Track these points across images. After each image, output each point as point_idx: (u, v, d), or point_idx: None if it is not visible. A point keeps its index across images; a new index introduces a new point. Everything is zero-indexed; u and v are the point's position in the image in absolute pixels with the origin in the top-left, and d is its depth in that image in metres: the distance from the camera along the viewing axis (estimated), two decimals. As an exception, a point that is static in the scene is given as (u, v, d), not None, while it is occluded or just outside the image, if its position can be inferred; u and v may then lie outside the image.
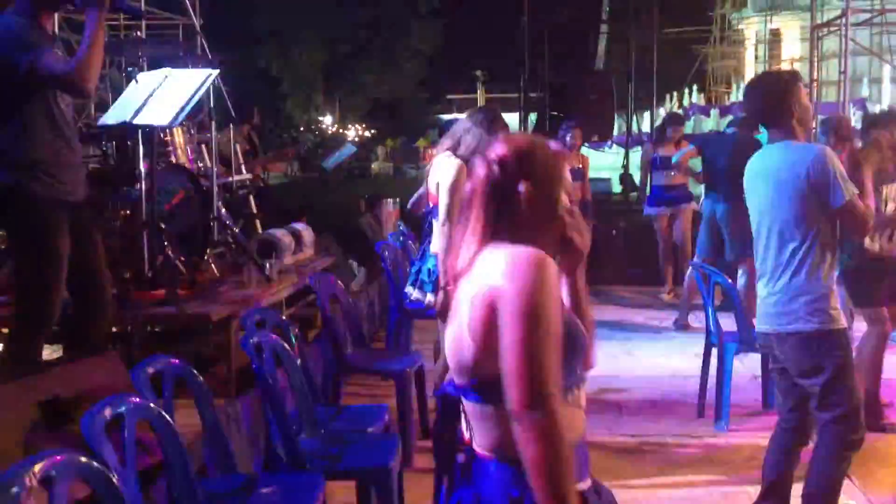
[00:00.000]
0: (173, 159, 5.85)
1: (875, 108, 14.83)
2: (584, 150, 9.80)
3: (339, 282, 4.98)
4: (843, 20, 12.25)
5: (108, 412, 2.42)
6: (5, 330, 4.09)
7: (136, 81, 4.89)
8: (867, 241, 4.67)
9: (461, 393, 1.88)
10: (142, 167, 4.79)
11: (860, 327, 4.98)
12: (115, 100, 5.25)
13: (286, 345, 3.53)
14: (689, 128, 15.73)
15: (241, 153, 7.63)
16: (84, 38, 3.46)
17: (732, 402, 5.01)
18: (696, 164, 7.89)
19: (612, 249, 9.65)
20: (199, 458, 3.14)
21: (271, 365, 3.38)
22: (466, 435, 1.92)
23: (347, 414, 3.94)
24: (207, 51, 6.19)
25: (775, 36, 28.63)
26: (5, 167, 3.53)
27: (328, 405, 4.11)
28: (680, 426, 5.05)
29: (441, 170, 4.49)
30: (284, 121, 27.78)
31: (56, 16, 3.72)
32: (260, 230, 6.64)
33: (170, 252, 4.73)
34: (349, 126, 35.10)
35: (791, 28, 27.89)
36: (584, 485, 1.87)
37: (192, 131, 6.21)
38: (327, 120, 33.44)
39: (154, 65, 6.59)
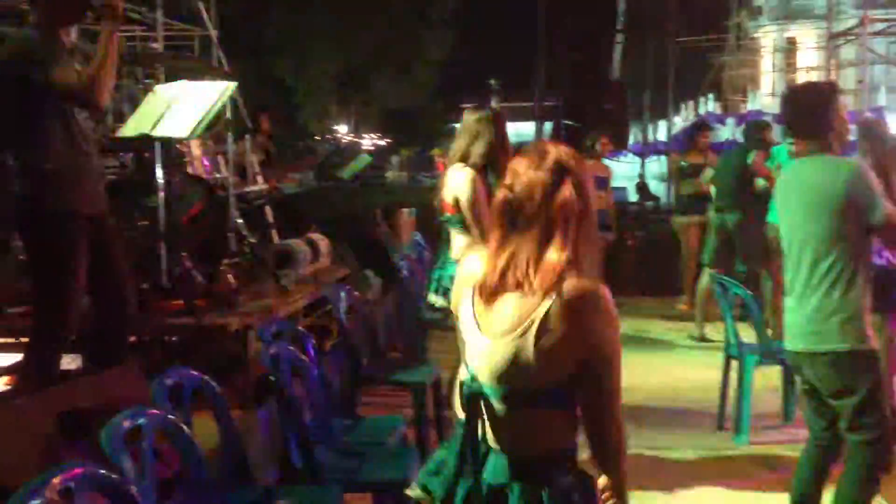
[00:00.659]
0: (191, 170, 5.87)
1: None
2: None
3: (356, 292, 4.98)
4: (860, 29, 12.20)
5: (127, 423, 2.43)
6: (25, 339, 4.09)
7: (154, 93, 4.92)
8: None
9: (490, 395, 1.97)
10: (159, 178, 4.81)
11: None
12: (132, 111, 5.28)
13: (303, 356, 3.53)
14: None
15: (258, 163, 7.64)
16: (97, 53, 3.47)
17: (752, 414, 4.97)
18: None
19: (629, 259, 9.61)
20: (217, 469, 3.13)
21: (288, 376, 3.38)
22: (482, 431, 2.01)
23: (364, 425, 3.94)
24: (224, 62, 6.21)
25: (791, 45, 28.57)
26: (23, 180, 3.54)
27: (345, 416, 4.10)
28: (699, 438, 5.02)
29: (455, 181, 4.47)
30: (299, 130, 27.84)
31: (75, 28, 3.71)
32: (276, 240, 6.64)
33: (187, 262, 4.74)
34: (364, 135, 35.16)
35: (807, 37, 27.82)
36: None
37: (209, 142, 6.23)
38: (342, 129, 33.52)
39: (171, 76, 6.63)
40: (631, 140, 15.51)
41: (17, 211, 3.62)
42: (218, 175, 6.32)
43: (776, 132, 7.90)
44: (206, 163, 6.04)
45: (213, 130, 6.62)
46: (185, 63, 6.59)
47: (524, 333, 1.91)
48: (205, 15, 6.82)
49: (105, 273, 3.69)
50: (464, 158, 4.42)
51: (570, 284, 1.91)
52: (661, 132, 15.82)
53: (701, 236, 8.43)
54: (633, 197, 12.90)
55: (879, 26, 14.17)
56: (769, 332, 5.51)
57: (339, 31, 24.46)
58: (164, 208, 4.79)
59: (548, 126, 12.91)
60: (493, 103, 32.10)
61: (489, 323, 1.98)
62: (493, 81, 34.41)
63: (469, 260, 2.11)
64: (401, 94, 29.04)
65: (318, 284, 5.62)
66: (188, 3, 6.31)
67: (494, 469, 1.98)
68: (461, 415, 2.01)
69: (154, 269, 4.81)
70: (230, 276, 5.36)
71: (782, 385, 5.26)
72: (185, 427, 2.61)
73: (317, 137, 29.13)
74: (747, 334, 5.21)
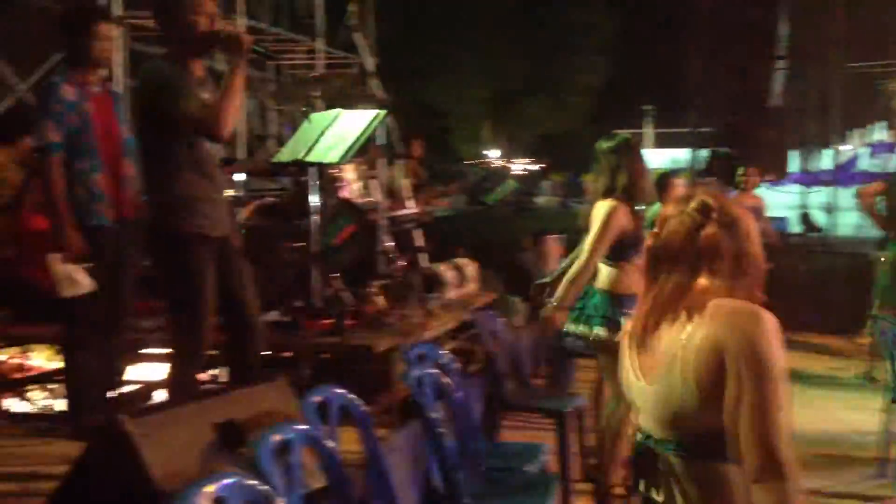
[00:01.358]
0: (343, 194, 6.07)
1: None
2: (758, 190, 9.46)
3: (501, 318, 5.01)
4: None
5: (277, 437, 2.52)
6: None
7: (310, 121, 5.13)
8: None
9: (662, 447, 1.90)
10: (313, 201, 5.00)
11: None
12: (292, 136, 5.52)
13: (446, 379, 3.57)
14: (876, 167, 14.92)
15: (408, 188, 7.82)
16: (223, 85, 3.56)
17: (916, 462, 4.68)
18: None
19: (789, 293, 9.23)
20: (361, 487, 3.21)
21: (431, 398, 3.43)
22: (643, 488, 1.95)
23: (505, 451, 3.94)
24: (379, 90, 6.42)
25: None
26: (153, 205, 3.68)
27: (486, 441, 4.12)
28: (858, 484, 4.76)
29: (598, 212, 4.44)
30: (451, 155, 28.26)
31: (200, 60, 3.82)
32: (424, 264, 6.77)
33: (337, 283, 4.90)
34: (515, 160, 35.31)
35: None
36: None
37: (362, 167, 6.42)
38: (493, 154, 33.79)
39: (328, 104, 6.89)
40: (792, 168, 14.91)
41: (147, 234, 3.79)
42: (369, 199, 6.51)
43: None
44: (358, 187, 6.24)
45: (366, 156, 6.84)
46: (341, 90, 6.84)
47: (673, 361, 1.85)
48: (362, 43, 7.06)
49: (231, 294, 3.77)
50: (609, 191, 4.39)
51: (716, 302, 1.85)
52: (824, 161, 15.14)
53: None
54: (794, 227, 12.38)
55: None
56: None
57: (492, 57, 24.72)
58: (317, 230, 4.98)
59: (703, 153, 12.58)
60: (647, 129, 31.64)
61: (645, 367, 1.95)
62: (647, 107, 33.90)
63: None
64: (553, 118, 29.03)
65: (464, 309, 5.68)
66: (347, 33, 6.55)
67: None
68: (637, 475, 1.97)
69: (306, 289, 4.99)
70: (379, 298, 5.51)
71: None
72: (331, 443, 2.69)
73: (467, 162, 29.44)
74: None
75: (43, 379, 5.46)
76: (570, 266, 4.44)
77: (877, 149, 22.51)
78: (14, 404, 5.08)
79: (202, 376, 4.12)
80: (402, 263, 6.04)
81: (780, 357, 1.81)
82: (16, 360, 5.40)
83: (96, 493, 2.66)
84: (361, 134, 5.03)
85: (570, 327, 4.83)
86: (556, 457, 4.27)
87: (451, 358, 3.95)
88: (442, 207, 11.68)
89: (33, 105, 6.27)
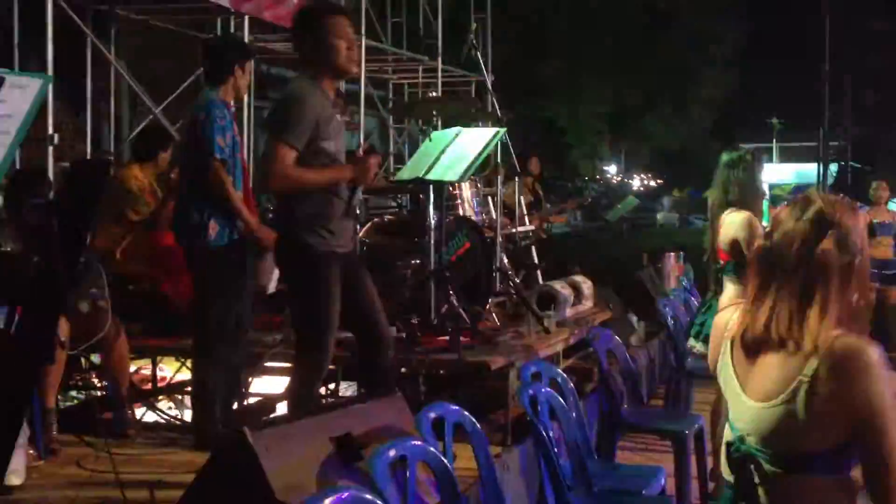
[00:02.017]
0: (460, 211, 6.12)
1: None
2: (892, 205, 9.10)
3: (617, 336, 4.95)
4: None
5: (392, 452, 2.56)
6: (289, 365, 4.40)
7: (430, 139, 5.20)
8: None
9: (759, 458, 1.91)
10: (431, 219, 5.06)
11: None
12: (412, 153, 5.60)
13: (561, 398, 3.55)
14: None
15: (525, 205, 7.82)
16: (324, 170, 3.67)
17: None
18: None
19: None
20: (474, 503, 3.23)
21: (546, 417, 3.42)
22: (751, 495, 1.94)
23: (621, 472, 3.89)
24: (497, 108, 6.45)
25: None
26: (286, 222, 3.78)
27: (602, 462, 4.07)
28: None
29: (732, 225, 4.37)
30: (569, 171, 28.07)
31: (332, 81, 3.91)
32: (541, 281, 6.75)
33: (454, 300, 4.94)
34: (634, 176, 34.82)
35: None
36: None
37: (479, 184, 6.47)
38: (612, 170, 33.42)
39: (448, 121, 6.97)
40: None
41: (277, 252, 3.91)
42: (486, 216, 6.54)
43: None
44: (475, 204, 6.28)
45: (484, 173, 6.88)
46: (460, 109, 6.91)
47: (792, 398, 1.85)
48: (481, 61, 7.12)
49: (361, 309, 3.84)
50: (723, 205, 4.37)
51: (835, 343, 1.83)
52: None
53: None
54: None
55: None
56: None
57: (613, 72, 24.48)
58: (434, 247, 5.04)
59: (833, 168, 12.14)
60: (774, 143, 30.71)
61: (754, 383, 1.93)
62: (774, 121, 32.90)
63: (723, 312, 2.07)
64: (674, 133, 28.51)
65: (580, 327, 5.64)
66: (464, 50, 6.62)
67: None
68: (728, 476, 1.96)
69: (423, 305, 5.05)
70: (494, 315, 5.52)
71: None
72: (445, 459, 2.72)
73: (586, 178, 29.20)
74: None
75: (172, 390, 5.69)
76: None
77: None
78: (145, 414, 5.31)
79: (321, 390, 4.21)
80: (517, 281, 6.04)
81: (887, 395, 1.82)
82: (147, 372, 5.64)
83: (219, 502, 2.75)
84: (481, 152, 5.08)
85: (690, 342, 4.75)
86: (674, 480, 4.18)
87: (567, 377, 3.92)
88: (559, 224, 11.63)
89: (164, 126, 6.59)
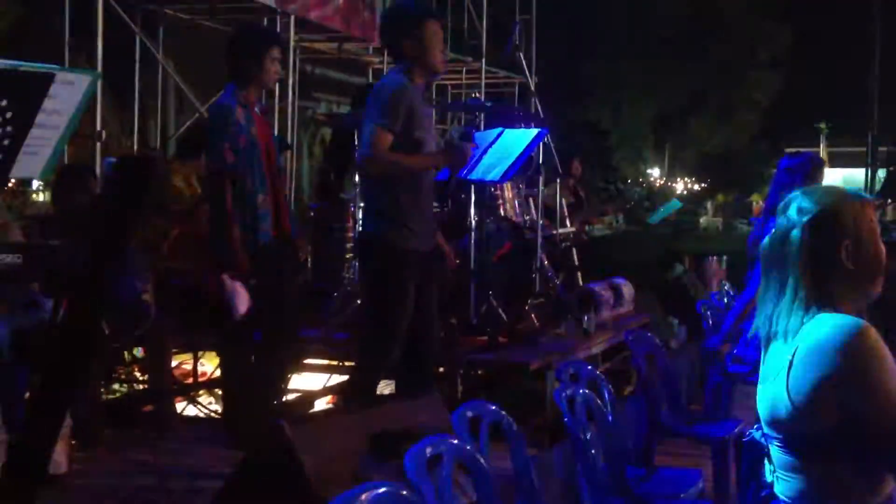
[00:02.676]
0: (501, 212, 6.12)
1: None
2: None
3: (657, 340, 4.91)
4: None
5: (429, 450, 2.57)
6: (349, 363, 4.45)
7: (473, 140, 5.20)
8: None
9: (769, 442, 1.97)
10: (472, 219, 5.06)
11: None
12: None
13: (599, 400, 3.53)
14: None
15: (567, 206, 7.78)
16: (419, 156, 3.78)
17: None
18: None
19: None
20: (510, 504, 3.22)
21: (583, 419, 3.40)
22: (769, 478, 2.00)
23: (659, 477, 3.85)
24: (540, 110, 6.44)
25: None
26: (371, 216, 3.88)
27: (640, 466, 4.04)
28: None
29: None
30: (612, 173, 27.89)
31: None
32: (580, 283, 6.72)
33: (493, 301, 4.94)
34: (677, 179, 34.49)
35: None
36: None
37: (521, 185, 6.45)
38: (655, 173, 33.14)
39: (490, 123, 6.96)
40: None
41: (359, 245, 3.98)
42: (527, 217, 6.52)
43: None
44: (516, 205, 6.27)
45: (525, 174, 6.86)
46: (503, 110, 6.90)
47: (776, 377, 1.91)
48: (524, 63, 7.10)
49: (420, 307, 3.90)
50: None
51: (810, 326, 1.87)
52: None
53: None
54: None
55: None
56: None
57: (657, 74, 24.31)
58: (475, 248, 5.04)
59: (881, 173, 11.94)
60: (821, 148, 30.28)
61: (765, 369, 2.01)
62: (822, 125, 32.37)
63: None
64: (719, 136, 28.22)
65: (620, 329, 5.61)
66: (510, 53, 6.62)
67: None
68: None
69: (463, 306, 5.06)
70: (533, 316, 5.51)
71: None
72: (481, 459, 2.72)
73: (629, 181, 29.01)
74: None
75: (212, 385, 5.75)
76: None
77: None
78: (186, 407, 5.38)
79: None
80: (557, 282, 6.02)
81: (883, 368, 1.81)
82: (188, 367, 5.71)
83: (257, 495, 2.78)
84: (523, 153, 5.07)
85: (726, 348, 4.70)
86: (713, 485, 4.14)
87: (605, 379, 3.90)
88: (600, 226, 11.57)
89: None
